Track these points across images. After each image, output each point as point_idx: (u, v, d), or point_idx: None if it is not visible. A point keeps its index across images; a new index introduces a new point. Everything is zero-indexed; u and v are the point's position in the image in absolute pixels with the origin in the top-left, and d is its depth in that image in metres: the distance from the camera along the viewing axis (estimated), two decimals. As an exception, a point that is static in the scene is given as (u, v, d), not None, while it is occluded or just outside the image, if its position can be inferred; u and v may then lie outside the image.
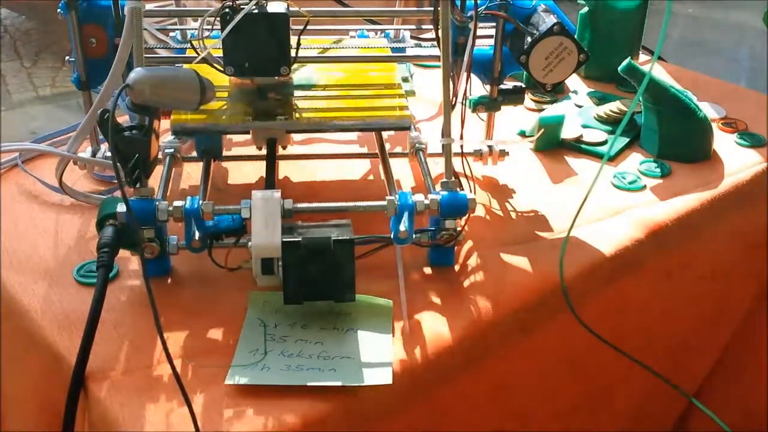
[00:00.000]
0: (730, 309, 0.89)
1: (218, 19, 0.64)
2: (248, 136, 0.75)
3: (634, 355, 0.69)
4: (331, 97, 0.74)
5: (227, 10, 0.63)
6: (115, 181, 0.77)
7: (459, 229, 0.65)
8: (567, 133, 0.89)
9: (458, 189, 0.65)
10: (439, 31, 0.67)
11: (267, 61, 0.67)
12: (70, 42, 0.73)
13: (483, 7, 0.71)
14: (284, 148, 0.75)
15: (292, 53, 0.67)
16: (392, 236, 0.63)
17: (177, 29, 0.84)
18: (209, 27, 0.65)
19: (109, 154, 0.76)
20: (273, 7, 0.66)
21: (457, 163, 0.68)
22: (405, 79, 0.83)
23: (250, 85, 0.73)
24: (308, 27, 0.69)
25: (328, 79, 0.77)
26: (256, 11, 0.64)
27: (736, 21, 3.40)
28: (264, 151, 0.71)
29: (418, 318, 0.62)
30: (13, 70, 2.94)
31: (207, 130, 0.71)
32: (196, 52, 0.65)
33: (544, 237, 0.73)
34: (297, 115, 0.71)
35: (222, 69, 0.67)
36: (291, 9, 0.66)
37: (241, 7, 0.64)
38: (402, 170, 0.82)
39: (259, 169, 0.72)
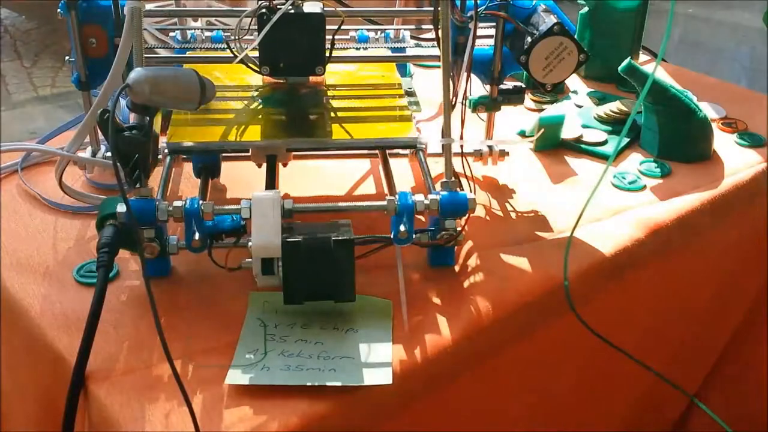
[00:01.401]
0: (730, 309, 0.89)
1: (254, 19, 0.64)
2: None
3: (634, 354, 0.69)
4: (336, 98, 0.74)
5: (264, 10, 0.63)
6: (111, 188, 0.77)
7: (459, 229, 0.65)
8: (567, 133, 0.89)
9: (458, 189, 0.65)
10: (439, 31, 0.67)
11: (302, 61, 0.67)
12: (70, 42, 0.73)
13: (483, 7, 0.71)
14: (284, 165, 0.73)
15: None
16: (392, 236, 0.63)
17: (177, 29, 0.84)
18: (245, 28, 0.65)
19: (108, 154, 0.76)
20: (308, 7, 0.66)
21: (457, 163, 0.68)
22: (410, 93, 0.83)
23: (283, 85, 0.72)
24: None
25: (328, 81, 0.77)
26: (292, 11, 0.64)
27: (736, 21, 3.40)
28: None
29: (418, 318, 0.62)
30: (12, 70, 2.94)
31: (203, 149, 0.70)
32: (233, 53, 0.65)
33: (544, 237, 0.73)
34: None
35: (257, 69, 0.67)
36: (326, 9, 0.67)
37: (278, 7, 0.64)
38: (402, 170, 0.82)
39: (258, 182, 0.71)
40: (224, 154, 0.81)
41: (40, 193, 0.76)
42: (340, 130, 0.70)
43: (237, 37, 0.65)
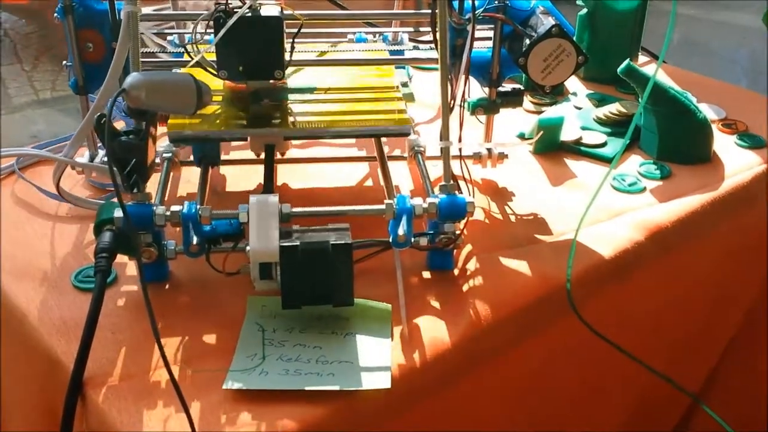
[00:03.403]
0: (730, 310, 0.89)
1: (212, 22, 0.64)
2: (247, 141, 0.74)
3: (634, 356, 0.69)
4: (330, 101, 0.74)
5: (220, 13, 0.63)
6: (112, 188, 0.77)
7: (458, 232, 0.65)
8: (566, 135, 0.88)
9: (457, 192, 0.65)
10: (437, 34, 0.67)
11: (260, 65, 0.67)
12: (67, 46, 0.73)
13: (481, 9, 0.70)
14: (282, 154, 0.74)
15: (287, 57, 0.67)
16: (391, 240, 0.62)
17: (174, 33, 0.84)
18: (203, 31, 0.64)
19: (106, 159, 0.76)
20: (266, 11, 0.65)
21: (455, 166, 0.68)
22: (404, 84, 0.83)
23: (243, 89, 0.72)
24: (306, 30, 0.69)
25: (327, 84, 0.77)
26: (249, 15, 0.64)
27: (736, 22, 3.40)
28: (262, 156, 0.70)
29: (417, 322, 0.61)
30: (13, 73, 2.95)
31: (204, 138, 0.70)
32: (190, 56, 0.65)
33: (543, 240, 0.72)
34: (292, 119, 0.71)
35: (215, 73, 0.67)
36: (284, 12, 0.66)
37: (235, 10, 0.63)
38: (401, 173, 0.82)
39: (257, 175, 0.72)
40: (224, 157, 0.81)
41: (38, 185, 0.76)
42: (332, 120, 0.70)
43: (194, 41, 0.64)
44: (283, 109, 0.72)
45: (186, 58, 0.79)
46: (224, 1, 0.63)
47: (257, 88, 0.72)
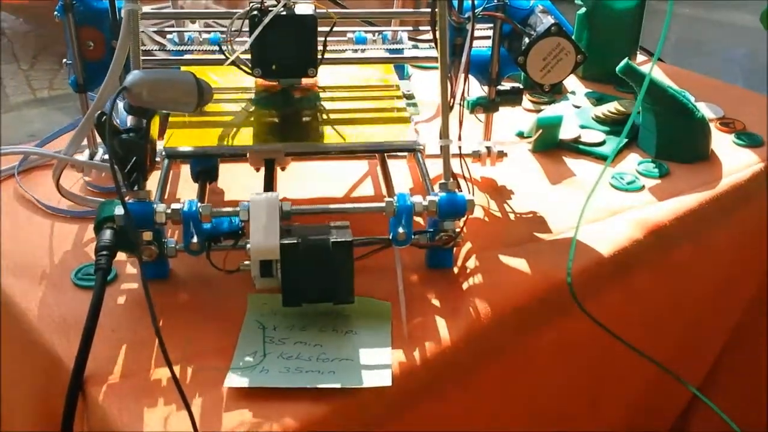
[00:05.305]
0: (728, 309, 0.89)
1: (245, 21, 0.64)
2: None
3: (633, 354, 0.69)
4: (334, 111, 0.74)
5: (255, 12, 0.63)
6: (111, 191, 0.77)
7: (458, 230, 0.65)
8: (565, 133, 0.89)
9: (457, 190, 0.65)
10: (437, 33, 0.67)
11: (294, 63, 0.67)
12: (67, 45, 0.73)
13: (480, 8, 0.71)
14: (282, 170, 0.73)
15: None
16: (391, 238, 0.62)
17: (174, 31, 0.84)
18: (237, 30, 0.65)
19: (106, 157, 0.76)
20: (300, 9, 0.66)
21: (455, 165, 0.68)
22: (409, 96, 0.83)
23: (276, 87, 0.72)
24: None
25: (327, 83, 0.77)
26: (284, 13, 0.64)
27: (734, 21, 3.41)
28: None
29: (417, 320, 0.62)
30: (10, 72, 2.94)
31: (201, 154, 0.70)
32: (225, 55, 0.65)
33: (542, 238, 0.73)
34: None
35: (249, 71, 0.67)
36: (318, 11, 0.67)
37: (269, 9, 0.64)
38: (400, 171, 0.82)
39: (256, 176, 0.71)
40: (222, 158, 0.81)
41: (38, 198, 0.76)
42: (336, 134, 0.70)
43: (229, 39, 0.65)
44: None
45: (187, 57, 0.79)
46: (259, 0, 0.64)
47: (294, 92, 0.72)
